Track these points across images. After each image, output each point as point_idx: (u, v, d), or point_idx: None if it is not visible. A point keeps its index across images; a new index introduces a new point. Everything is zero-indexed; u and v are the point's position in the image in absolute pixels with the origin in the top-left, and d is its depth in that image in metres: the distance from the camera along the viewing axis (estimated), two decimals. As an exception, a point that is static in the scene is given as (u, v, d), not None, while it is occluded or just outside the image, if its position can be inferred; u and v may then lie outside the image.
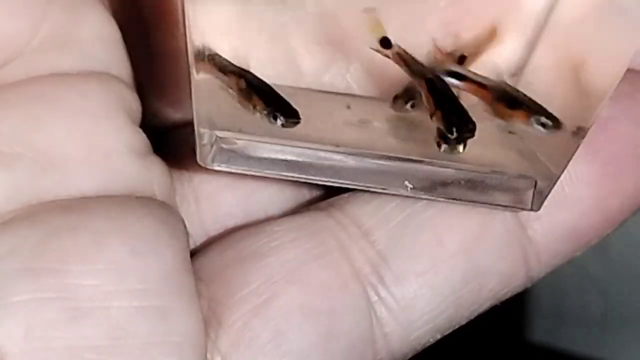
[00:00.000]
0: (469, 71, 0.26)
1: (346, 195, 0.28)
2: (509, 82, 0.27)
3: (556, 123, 0.25)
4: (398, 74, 0.26)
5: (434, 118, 0.25)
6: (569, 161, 0.25)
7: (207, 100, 0.25)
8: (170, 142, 0.29)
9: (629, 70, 0.26)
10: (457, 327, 0.27)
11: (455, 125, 0.25)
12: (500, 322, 0.67)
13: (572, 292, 0.72)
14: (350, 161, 0.27)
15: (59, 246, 0.23)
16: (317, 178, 0.27)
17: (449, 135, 0.25)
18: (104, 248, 0.24)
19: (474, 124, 0.25)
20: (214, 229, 0.29)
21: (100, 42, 0.27)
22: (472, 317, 0.27)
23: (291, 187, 0.29)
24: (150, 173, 0.26)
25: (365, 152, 0.26)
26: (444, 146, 0.25)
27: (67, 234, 0.24)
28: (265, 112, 0.25)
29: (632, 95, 0.27)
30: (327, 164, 0.26)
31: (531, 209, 0.26)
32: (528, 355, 0.75)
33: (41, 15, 0.25)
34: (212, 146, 0.26)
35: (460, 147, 0.25)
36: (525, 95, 0.26)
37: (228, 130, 0.26)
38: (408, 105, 0.26)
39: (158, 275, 0.24)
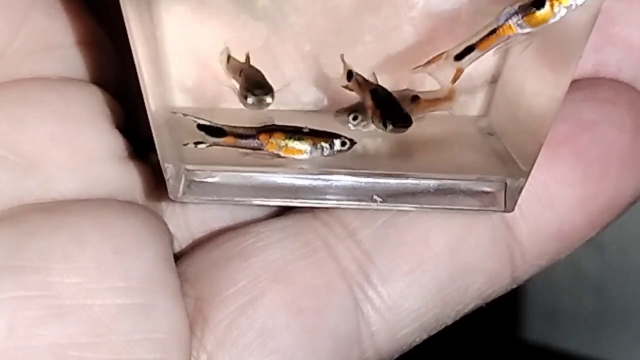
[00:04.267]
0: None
1: None
2: (490, 86, 0.28)
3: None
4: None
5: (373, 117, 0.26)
6: (535, 159, 0.25)
7: (168, 134, 0.26)
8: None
9: (611, 79, 0.26)
10: (443, 326, 0.27)
11: (391, 118, 0.26)
12: (495, 320, 0.67)
13: (567, 290, 0.72)
14: (318, 181, 0.27)
15: (42, 245, 0.23)
16: (289, 201, 0.27)
17: (385, 128, 0.26)
18: (86, 246, 0.24)
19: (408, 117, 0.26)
20: (200, 232, 0.29)
21: (83, 48, 0.27)
22: (458, 317, 0.27)
23: None
24: (131, 177, 0.27)
25: (332, 171, 0.27)
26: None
27: (50, 232, 0.24)
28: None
29: (614, 100, 0.27)
30: (297, 186, 0.27)
31: (505, 210, 0.27)
32: (523, 354, 0.74)
33: (22, 18, 0.25)
34: (180, 178, 0.27)
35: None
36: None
37: (195, 163, 0.27)
38: (350, 117, 0.27)
39: (140, 274, 0.24)
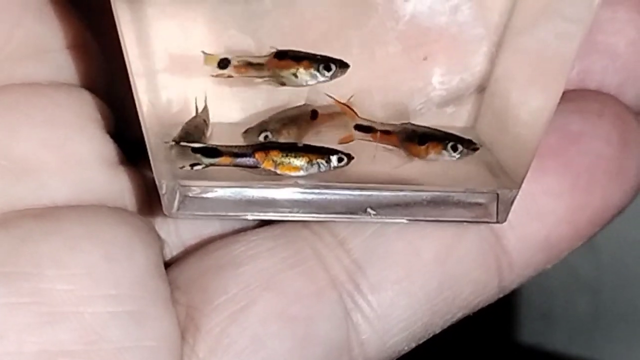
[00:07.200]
0: (374, 122, 0.27)
1: None
2: (477, 97, 0.28)
3: (469, 145, 0.26)
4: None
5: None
6: (527, 170, 0.26)
7: (164, 151, 0.26)
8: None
9: (597, 91, 0.27)
10: (431, 335, 0.27)
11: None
12: (490, 323, 0.67)
13: (562, 292, 0.72)
14: (312, 195, 0.27)
15: (33, 251, 0.23)
16: (283, 215, 0.27)
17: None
18: (78, 253, 0.24)
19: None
20: (190, 239, 0.29)
21: (73, 51, 0.27)
22: (446, 326, 0.27)
23: None
24: (121, 183, 0.27)
25: (326, 185, 0.27)
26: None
27: (41, 239, 0.24)
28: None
29: (601, 113, 0.27)
30: (291, 200, 0.27)
31: (497, 222, 0.27)
32: (517, 356, 0.75)
33: (15, 23, 0.25)
34: (174, 194, 0.27)
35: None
36: (430, 128, 0.27)
37: (190, 179, 0.27)
38: (261, 137, 0.27)
39: (131, 281, 0.24)
